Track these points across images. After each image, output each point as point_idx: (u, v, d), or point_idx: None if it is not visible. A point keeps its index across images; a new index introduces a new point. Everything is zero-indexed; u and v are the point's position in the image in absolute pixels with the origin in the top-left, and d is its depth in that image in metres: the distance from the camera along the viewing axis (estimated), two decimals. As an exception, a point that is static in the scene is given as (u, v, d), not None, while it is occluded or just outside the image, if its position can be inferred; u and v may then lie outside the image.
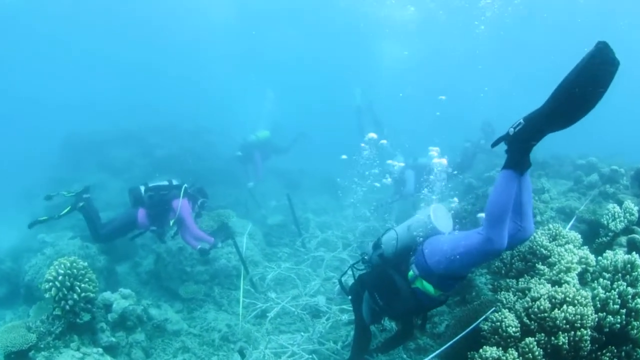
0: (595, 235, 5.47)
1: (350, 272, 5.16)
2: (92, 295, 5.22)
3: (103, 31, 28.85)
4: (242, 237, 8.85)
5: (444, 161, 6.15)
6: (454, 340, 4.11)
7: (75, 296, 5.02)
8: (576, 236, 4.76)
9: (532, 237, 4.50)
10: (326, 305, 6.92)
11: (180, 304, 7.67)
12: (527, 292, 4.07)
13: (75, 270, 5.15)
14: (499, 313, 3.76)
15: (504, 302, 4.13)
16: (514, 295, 4.19)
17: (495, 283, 4.64)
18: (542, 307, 3.58)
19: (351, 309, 6.65)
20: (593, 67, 2.69)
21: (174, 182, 7.40)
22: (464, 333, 4.13)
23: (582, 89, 2.76)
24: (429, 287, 4.06)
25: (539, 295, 3.73)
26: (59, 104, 27.94)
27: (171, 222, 7.19)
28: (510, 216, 3.42)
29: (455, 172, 9.77)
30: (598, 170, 8.14)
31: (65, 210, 6.81)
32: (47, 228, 10.89)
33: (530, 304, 3.73)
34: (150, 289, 8.29)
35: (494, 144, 3.36)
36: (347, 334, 6.22)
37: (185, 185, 7.42)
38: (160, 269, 8.32)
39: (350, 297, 5.10)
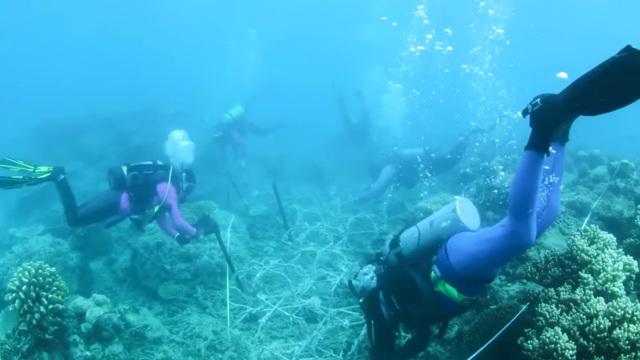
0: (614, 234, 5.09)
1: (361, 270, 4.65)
2: (61, 306, 4.51)
3: (77, 10, 27.38)
4: (225, 231, 8.16)
5: None
6: (478, 351, 3.72)
7: (42, 309, 4.31)
8: (612, 238, 4.31)
9: (571, 240, 4.06)
10: (322, 307, 6.34)
11: (160, 305, 7.02)
12: (571, 304, 3.59)
13: (41, 278, 4.42)
14: (552, 332, 3.25)
15: (547, 316, 3.62)
16: (557, 308, 3.70)
17: (529, 291, 4.14)
18: (602, 326, 3.10)
19: (350, 312, 6.17)
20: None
21: (159, 163, 6.50)
22: (487, 345, 3.77)
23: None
24: (452, 291, 3.60)
25: (596, 312, 3.24)
26: (31, 88, 26.53)
27: (155, 208, 6.34)
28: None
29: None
30: (607, 163, 7.76)
31: (44, 176, 5.55)
32: (18, 221, 10.19)
33: (585, 321, 3.23)
34: (127, 288, 7.66)
35: (524, 114, 2.93)
36: (347, 340, 5.69)
37: (173, 167, 6.53)
38: (137, 266, 7.62)
39: (361, 300, 4.52)
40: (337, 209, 10.78)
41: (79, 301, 5.40)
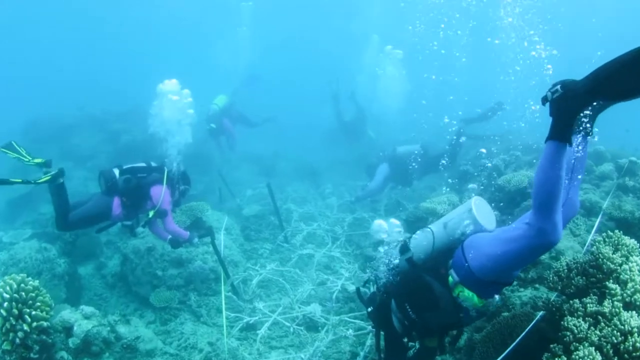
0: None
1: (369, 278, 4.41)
2: (45, 324, 4.17)
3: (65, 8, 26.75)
4: (218, 234, 7.84)
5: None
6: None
7: (26, 327, 3.97)
8: (634, 244, 4.06)
9: (596, 247, 3.82)
10: (323, 315, 6.04)
11: (152, 313, 6.70)
12: (600, 318, 3.34)
13: (23, 294, 4.08)
14: (585, 352, 2.99)
15: (575, 331, 3.36)
16: (585, 322, 3.44)
17: (552, 301, 3.88)
18: (638, 344, 2.85)
19: (352, 319, 5.89)
20: None
21: (153, 164, 6.11)
22: (502, 356, 3.63)
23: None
24: (471, 296, 3.35)
25: (630, 329, 2.98)
26: (19, 87, 25.92)
27: (150, 214, 5.98)
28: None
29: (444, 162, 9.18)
30: (614, 160, 7.53)
31: (44, 179, 5.26)
32: (5, 224, 9.96)
33: (619, 339, 2.98)
34: (118, 294, 7.33)
35: (543, 102, 2.78)
36: (351, 349, 5.41)
37: (167, 168, 6.14)
38: (128, 272, 7.28)
39: (369, 309, 4.23)
40: (334, 209, 10.48)
41: (66, 314, 5.07)
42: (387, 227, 4.08)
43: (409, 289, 3.83)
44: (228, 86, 13.00)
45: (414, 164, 8.89)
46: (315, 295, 6.68)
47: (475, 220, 3.50)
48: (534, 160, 7.95)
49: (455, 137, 9.10)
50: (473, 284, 3.33)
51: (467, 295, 3.36)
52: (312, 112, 19.71)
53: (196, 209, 7.67)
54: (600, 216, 5.76)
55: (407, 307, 3.81)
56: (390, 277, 4.19)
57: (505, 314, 4.70)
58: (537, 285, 5.04)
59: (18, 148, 5.49)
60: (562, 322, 3.55)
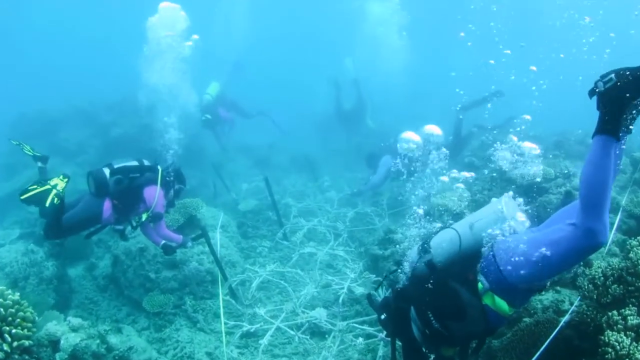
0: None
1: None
2: (27, 343, 3.79)
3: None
4: (214, 232, 7.45)
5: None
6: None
7: (6, 347, 3.58)
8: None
9: (634, 252, 3.50)
10: (328, 319, 5.68)
11: (145, 319, 6.34)
12: (644, 333, 3.02)
13: (2, 310, 3.69)
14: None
15: (617, 348, 3.04)
16: (627, 337, 3.11)
17: (588, 312, 3.55)
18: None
19: (360, 325, 5.53)
20: None
21: (146, 163, 5.63)
22: None
23: None
24: (502, 304, 3.14)
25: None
26: (4, 82, 25.18)
27: (143, 216, 5.56)
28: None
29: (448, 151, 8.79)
30: (628, 154, 7.19)
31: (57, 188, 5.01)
32: None
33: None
34: (110, 297, 6.95)
35: (590, 94, 2.63)
36: (360, 358, 5.07)
37: (161, 167, 5.70)
38: (119, 274, 6.89)
39: (382, 316, 3.87)
40: (334, 203, 10.09)
41: (52, 327, 4.67)
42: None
43: (433, 296, 3.51)
44: (220, 74, 12.54)
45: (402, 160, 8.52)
46: (319, 297, 6.32)
47: (507, 222, 3.25)
48: (548, 154, 7.65)
49: (456, 127, 8.74)
50: (505, 291, 3.12)
51: (498, 303, 3.14)
52: (303, 101, 19.29)
53: (190, 206, 7.29)
54: (619, 213, 5.45)
55: (430, 315, 3.48)
56: (406, 282, 3.86)
57: (527, 319, 4.40)
58: (558, 288, 4.74)
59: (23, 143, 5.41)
60: (602, 337, 3.25)
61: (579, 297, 3.90)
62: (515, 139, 4.34)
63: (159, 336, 5.93)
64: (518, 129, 7.84)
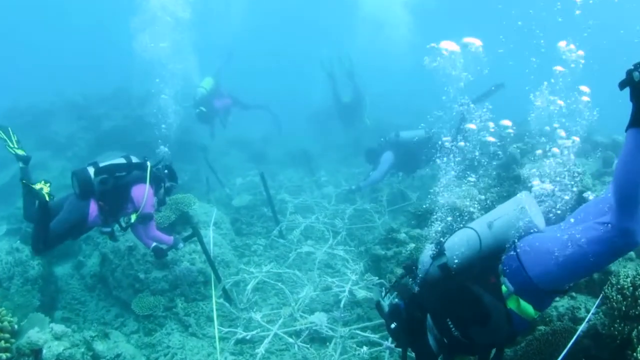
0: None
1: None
2: (5, 356, 3.50)
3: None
4: (207, 230, 7.11)
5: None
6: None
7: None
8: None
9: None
10: (329, 325, 5.36)
11: (134, 322, 6.04)
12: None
13: (-26, 321, 3.34)
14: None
15: (655, 370, 2.75)
16: (664, 357, 2.83)
17: (615, 325, 3.26)
18: None
19: (362, 332, 5.20)
20: None
21: (134, 160, 5.24)
22: None
23: None
24: (527, 308, 2.98)
25: None
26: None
27: (132, 217, 5.19)
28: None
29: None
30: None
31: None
32: None
33: None
34: (98, 297, 6.65)
35: (621, 86, 2.41)
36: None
37: (151, 164, 5.29)
38: (107, 274, 6.56)
39: (393, 325, 3.56)
40: (332, 199, 9.75)
41: (34, 335, 4.38)
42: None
43: (452, 302, 3.28)
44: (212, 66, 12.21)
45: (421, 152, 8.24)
46: (318, 300, 6.00)
47: (529, 219, 3.10)
48: (552, 149, 7.34)
49: (459, 123, 8.43)
50: (531, 294, 2.97)
51: (523, 307, 2.99)
52: (299, 93, 18.98)
53: (182, 202, 6.97)
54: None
55: (449, 322, 3.24)
56: (419, 288, 3.58)
57: (542, 328, 4.14)
58: (573, 294, 4.48)
59: (10, 134, 5.06)
60: (631, 353, 2.98)
61: (596, 304, 3.66)
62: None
63: (149, 341, 5.63)
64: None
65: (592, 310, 3.77)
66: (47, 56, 28.04)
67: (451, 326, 3.21)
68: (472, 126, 4.65)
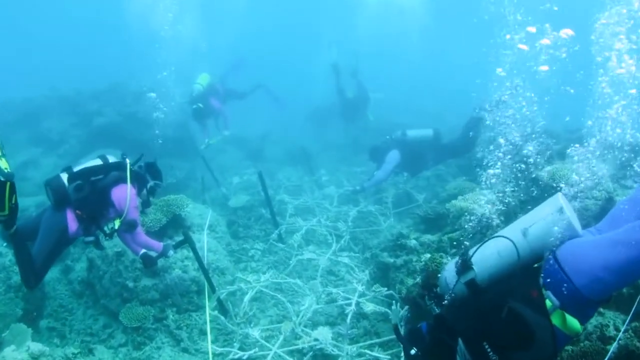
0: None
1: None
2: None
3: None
4: (201, 234, 6.69)
5: None
6: None
7: None
8: None
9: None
10: (334, 342, 4.91)
11: (122, 334, 5.62)
12: None
13: None
14: None
15: None
16: None
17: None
18: None
19: (376, 354, 4.74)
20: None
21: (111, 160, 4.79)
22: None
23: None
24: (573, 324, 2.69)
25: None
26: None
27: (116, 223, 4.73)
28: None
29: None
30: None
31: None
32: None
33: None
34: (86, 304, 6.25)
35: None
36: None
37: (130, 162, 4.83)
38: (94, 281, 6.15)
39: (413, 351, 3.11)
40: (334, 200, 9.31)
41: (10, 354, 3.98)
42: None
43: (488, 322, 2.90)
44: (215, 66, 11.85)
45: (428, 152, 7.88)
46: (322, 312, 5.56)
47: (569, 224, 2.85)
48: (567, 151, 6.97)
49: (474, 123, 8.03)
50: (578, 307, 2.71)
51: (569, 323, 2.70)
52: (299, 90, 18.65)
53: (174, 203, 6.55)
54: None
55: (487, 346, 2.86)
56: (445, 308, 3.18)
57: (570, 348, 3.79)
58: (600, 310, 4.09)
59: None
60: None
61: (627, 322, 3.32)
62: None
63: (138, 356, 5.21)
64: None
65: (622, 329, 3.52)
66: (45, 51, 27.73)
67: (488, 350, 2.83)
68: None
